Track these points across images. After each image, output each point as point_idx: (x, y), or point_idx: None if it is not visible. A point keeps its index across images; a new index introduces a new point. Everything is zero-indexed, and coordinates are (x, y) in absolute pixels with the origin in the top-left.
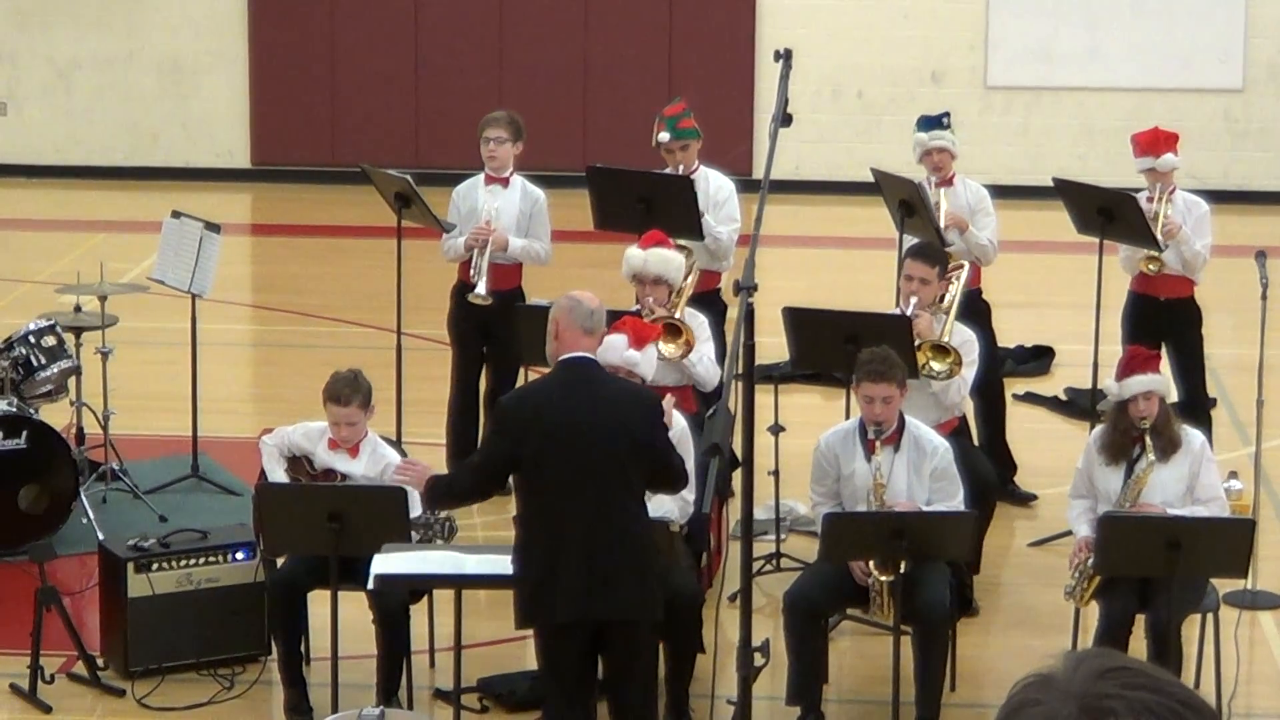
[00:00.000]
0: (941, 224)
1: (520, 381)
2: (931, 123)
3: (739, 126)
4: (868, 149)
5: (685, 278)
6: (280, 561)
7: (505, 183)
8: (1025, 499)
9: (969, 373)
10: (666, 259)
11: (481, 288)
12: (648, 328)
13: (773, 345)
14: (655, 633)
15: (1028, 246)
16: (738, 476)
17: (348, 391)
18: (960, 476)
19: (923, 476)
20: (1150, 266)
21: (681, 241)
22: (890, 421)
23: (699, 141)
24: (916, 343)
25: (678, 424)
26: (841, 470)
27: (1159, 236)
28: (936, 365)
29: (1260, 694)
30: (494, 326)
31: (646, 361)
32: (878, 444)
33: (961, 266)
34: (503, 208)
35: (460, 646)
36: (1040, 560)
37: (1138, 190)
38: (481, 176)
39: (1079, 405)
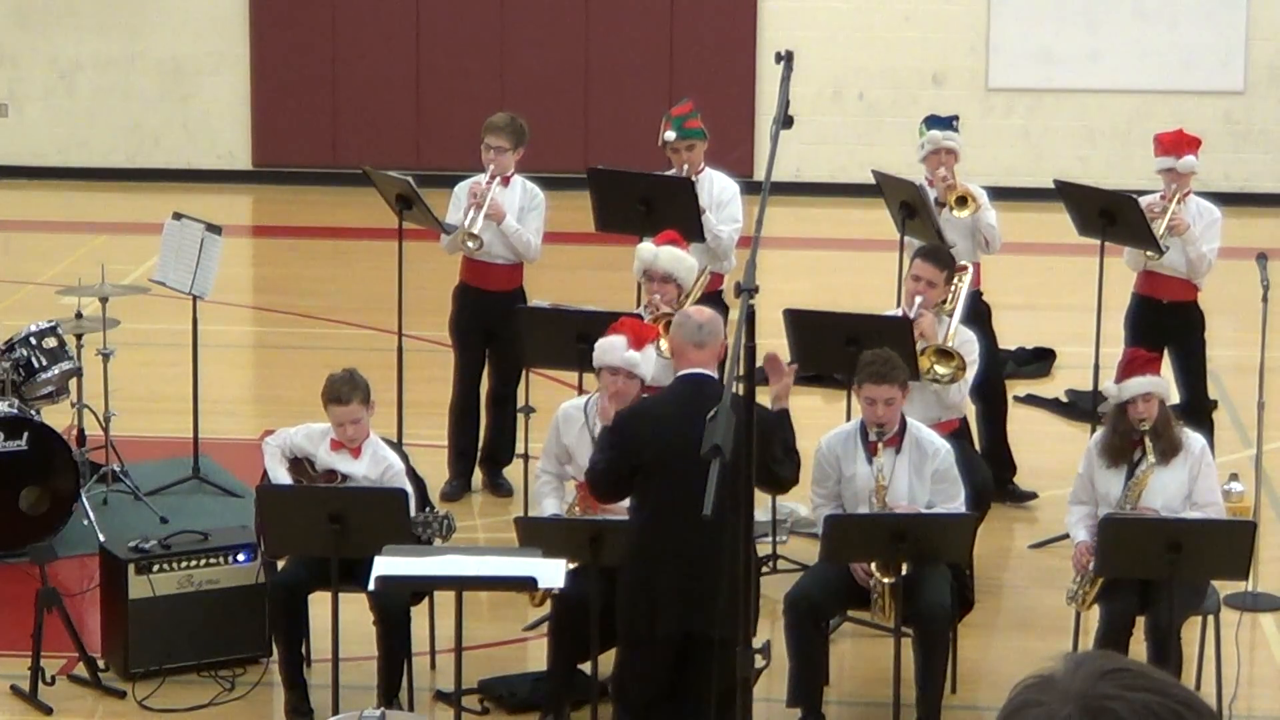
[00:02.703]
0: (958, 193)
1: (523, 383)
2: (943, 123)
3: (740, 128)
4: (869, 151)
5: (695, 281)
6: (281, 563)
7: (506, 182)
8: (1025, 497)
9: (969, 373)
10: (679, 258)
11: (476, 227)
12: (647, 329)
13: (773, 347)
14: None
15: (1029, 248)
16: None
17: (346, 390)
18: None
19: (924, 478)
20: (1149, 253)
21: None
22: (892, 423)
23: (705, 143)
24: (920, 347)
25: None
26: (843, 472)
27: (1162, 235)
28: (940, 369)
29: (1261, 696)
30: (496, 328)
31: (646, 362)
32: (879, 446)
33: (965, 268)
34: (504, 201)
35: (461, 648)
36: (1041, 562)
37: (1138, 192)
38: (484, 176)
39: (1080, 407)
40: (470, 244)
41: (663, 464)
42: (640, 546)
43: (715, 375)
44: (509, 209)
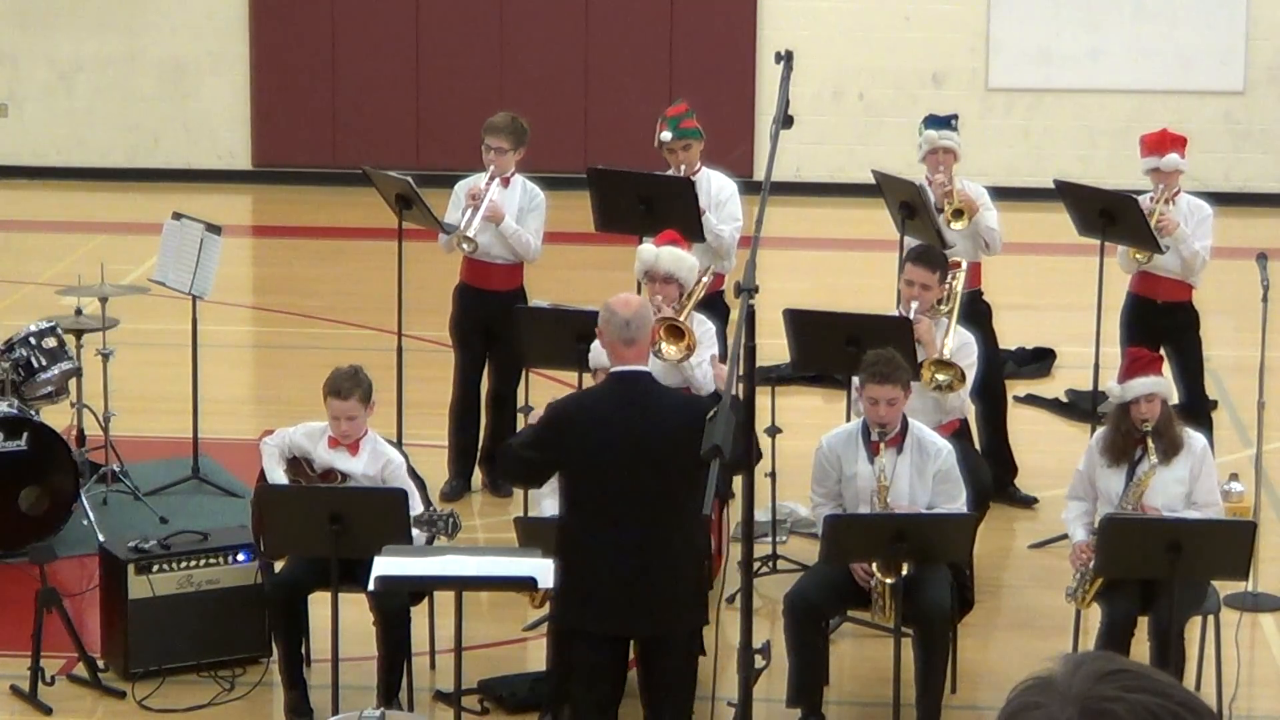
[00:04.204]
0: (955, 205)
1: (523, 383)
2: (941, 122)
3: (740, 128)
4: (869, 151)
5: (697, 282)
6: (280, 564)
7: (506, 182)
8: (1026, 501)
9: (969, 375)
10: (679, 258)
11: (472, 231)
12: None
13: (774, 347)
14: (697, 648)
15: (1029, 248)
16: (738, 478)
17: (348, 385)
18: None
19: (925, 478)
20: (1139, 256)
21: None
22: (894, 423)
23: (701, 142)
24: (919, 359)
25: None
26: (844, 471)
27: (1158, 236)
28: (940, 376)
29: (1261, 696)
30: (496, 327)
31: None
32: (881, 446)
33: (959, 265)
34: (503, 201)
35: (461, 648)
36: (1041, 562)
37: (1139, 192)
38: (484, 176)
39: (1080, 407)
40: (465, 246)
41: (594, 462)
42: (570, 544)
43: (649, 370)
44: (509, 210)
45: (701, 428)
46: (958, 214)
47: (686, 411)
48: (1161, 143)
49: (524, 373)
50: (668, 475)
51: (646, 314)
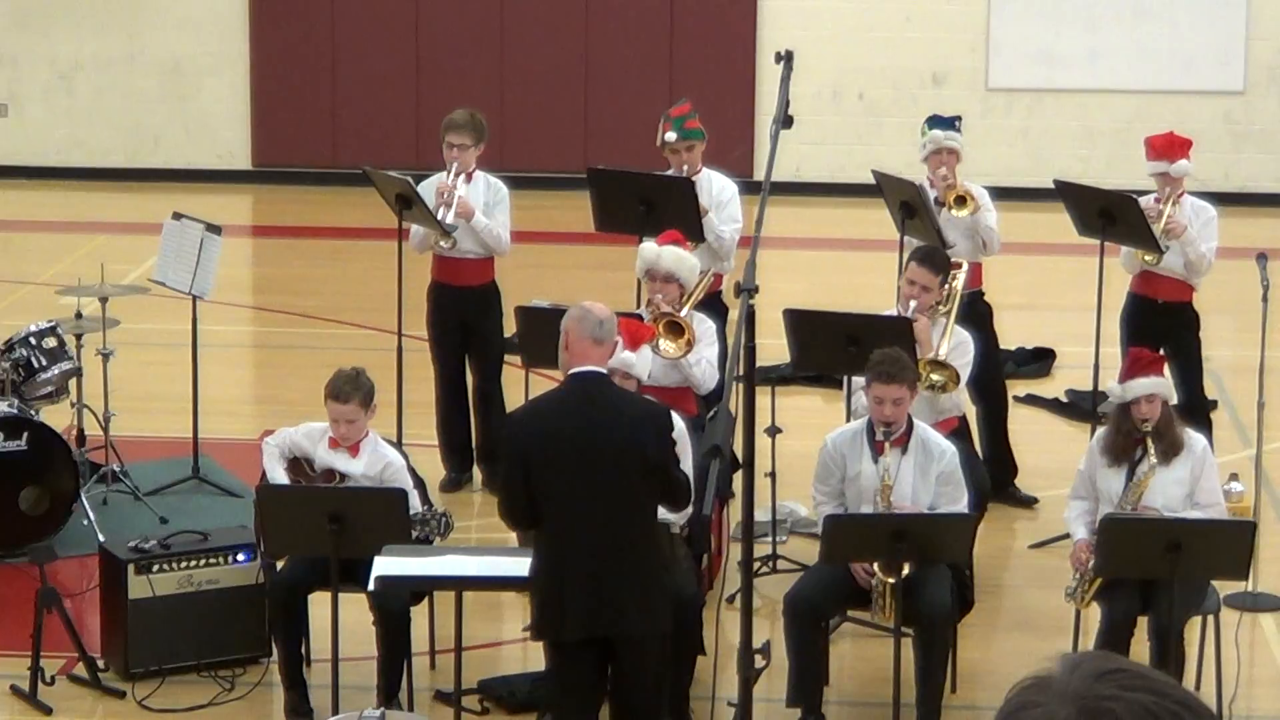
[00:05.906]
0: (957, 193)
1: (521, 383)
2: (945, 123)
3: (740, 128)
4: (869, 151)
5: (699, 283)
6: (281, 563)
7: (469, 177)
8: (1027, 502)
9: (963, 373)
10: (680, 258)
11: (450, 218)
12: (643, 329)
13: (773, 347)
14: (663, 648)
15: (1029, 248)
16: (738, 478)
17: (348, 389)
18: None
19: (929, 479)
20: (1148, 258)
21: None
22: (899, 423)
23: (704, 143)
24: (917, 357)
25: (677, 425)
26: (848, 471)
27: (1160, 238)
28: (935, 376)
29: (1260, 696)
30: (472, 322)
31: (641, 363)
32: (886, 445)
33: (960, 266)
34: (468, 197)
35: (461, 648)
36: (1041, 562)
37: (1139, 192)
38: (445, 175)
39: (1080, 407)
40: (444, 243)
41: (557, 465)
42: (542, 548)
43: (607, 373)
44: (474, 205)
45: (657, 435)
46: (960, 201)
47: (643, 417)
48: (1170, 147)
49: (525, 373)
50: (624, 477)
51: (615, 323)
